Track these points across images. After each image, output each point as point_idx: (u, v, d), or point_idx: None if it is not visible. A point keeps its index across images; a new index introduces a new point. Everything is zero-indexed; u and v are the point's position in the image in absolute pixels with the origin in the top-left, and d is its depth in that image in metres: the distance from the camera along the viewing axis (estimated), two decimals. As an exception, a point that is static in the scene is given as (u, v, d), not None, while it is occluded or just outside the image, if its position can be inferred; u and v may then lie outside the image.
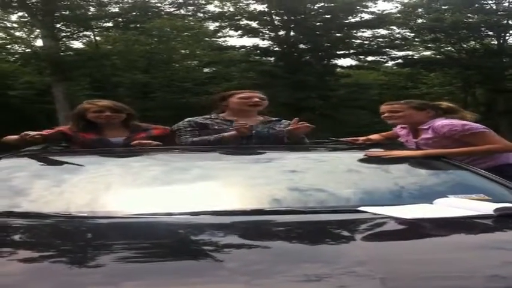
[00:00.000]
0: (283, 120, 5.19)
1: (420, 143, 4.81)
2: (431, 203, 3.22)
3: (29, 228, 2.97)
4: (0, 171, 3.87)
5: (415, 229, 2.86)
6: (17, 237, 2.88)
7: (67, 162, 4.15)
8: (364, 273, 2.09)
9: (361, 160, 4.14)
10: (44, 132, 5.01)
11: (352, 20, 36.49)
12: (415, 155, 4.38)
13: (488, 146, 4.58)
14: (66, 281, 2.06)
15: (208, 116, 5.12)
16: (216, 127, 4.97)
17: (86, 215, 3.07)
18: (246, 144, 4.80)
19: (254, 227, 2.91)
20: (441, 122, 4.72)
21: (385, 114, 4.99)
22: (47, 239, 2.81)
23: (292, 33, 36.43)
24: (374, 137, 5.34)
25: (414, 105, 4.93)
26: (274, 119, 5.22)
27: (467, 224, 2.92)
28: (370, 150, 4.39)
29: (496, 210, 2.96)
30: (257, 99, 5.08)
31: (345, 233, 2.83)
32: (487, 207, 3.02)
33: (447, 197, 3.33)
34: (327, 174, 3.90)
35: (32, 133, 4.74)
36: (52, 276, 2.13)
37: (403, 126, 5.18)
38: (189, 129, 4.98)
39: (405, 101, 5.03)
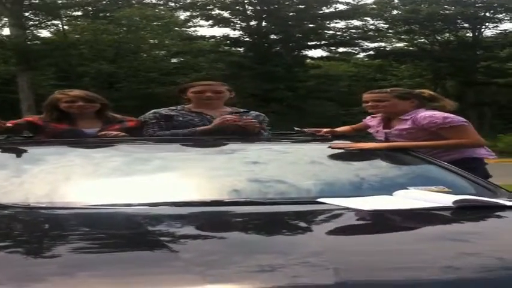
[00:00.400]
0: (251, 112, 5.18)
1: (391, 134, 4.78)
2: (391, 195, 3.24)
3: None
4: None
5: (373, 220, 2.88)
6: None
7: (29, 153, 4.14)
8: (318, 264, 2.09)
9: (323, 152, 4.12)
10: (10, 122, 4.93)
11: (326, 11, 36.59)
12: (380, 147, 4.39)
13: (456, 140, 4.57)
14: (22, 272, 2.05)
15: (174, 108, 5.09)
16: (181, 118, 4.94)
17: (44, 205, 3.06)
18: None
19: (212, 218, 2.95)
20: (423, 114, 4.67)
21: (369, 104, 4.90)
22: (4, 229, 2.79)
23: (264, 24, 36.49)
24: (343, 129, 5.34)
25: (398, 94, 4.87)
26: (242, 110, 5.19)
27: (426, 215, 2.95)
28: (334, 142, 4.39)
29: (455, 202, 2.97)
30: (209, 94, 5.00)
31: (302, 224, 2.84)
32: (447, 199, 3.04)
33: (407, 188, 3.35)
34: (289, 166, 3.90)
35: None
36: (8, 266, 2.11)
37: (373, 116, 5.14)
38: (154, 121, 4.94)
39: (390, 90, 4.98)
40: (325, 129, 5.02)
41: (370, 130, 5.15)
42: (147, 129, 4.90)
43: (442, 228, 2.90)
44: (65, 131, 4.78)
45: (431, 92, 5.11)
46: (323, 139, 4.70)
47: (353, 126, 5.45)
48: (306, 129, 5.01)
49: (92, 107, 4.92)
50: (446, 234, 2.72)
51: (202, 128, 4.78)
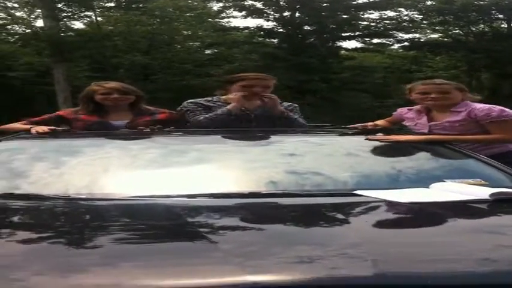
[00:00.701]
0: (284, 103, 5.19)
1: (439, 126, 4.74)
2: (428, 187, 3.25)
3: (28, 210, 3.01)
4: (0, 154, 3.91)
5: (410, 212, 2.91)
6: (16, 218, 2.93)
7: (67, 145, 4.24)
8: (356, 255, 2.10)
9: (360, 144, 4.20)
10: (46, 116, 5.06)
11: (360, 1, 36.37)
12: (416, 140, 4.42)
13: (498, 135, 4.58)
14: (64, 262, 2.09)
15: (210, 99, 5.13)
16: (218, 110, 4.97)
17: (84, 196, 3.12)
18: (246, 127, 4.82)
19: (250, 210, 2.96)
20: (481, 106, 4.66)
21: (433, 95, 4.77)
22: (45, 220, 2.85)
23: (297, 14, 36.33)
24: (380, 122, 5.25)
25: (457, 86, 4.87)
26: None
27: (463, 208, 2.95)
28: (371, 135, 4.42)
29: (491, 195, 2.98)
30: (258, 89, 5.00)
31: (340, 216, 2.85)
32: (483, 192, 3.04)
33: (444, 181, 3.35)
34: (325, 158, 3.94)
35: (40, 130, 4.54)
36: (50, 257, 2.15)
37: (410, 108, 5.08)
38: (200, 109, 4.99)
39: (450, 82, 4.98)
40: (369, 124, 5.01)
41: (407, 123, 5.08)
42: (193, 116, 4.93)
43: (478, 220, 2.91)
44: (94, 123, 4.85)
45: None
46: (361, 132, 4.69)
47: (387, 119, 5.37)
48: (355, 125, 4.98)
49: (127, 99, 4.98)
50: (483, 226, 2.74)
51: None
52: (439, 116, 4.78)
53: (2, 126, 5.03)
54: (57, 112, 5.33)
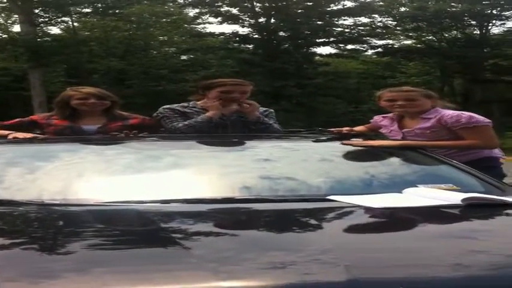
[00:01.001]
0: (259, 108, 5.14)
1: (411, 133, 4.75)
2: (401, 192, 3.26)
3: (1, 215, 2.98)
4: None
5: (383, 218, 2.92)
6: None
7: (40, 150, 4.20)
8: (329, 261, 2.11)
9: (333, 149, 4.21)
10: (18, 120, 5.04)
11: (334, 8, 36.54)
12: (391, 145, 4.42)
13: (472, 141, 4.56)
14: (37, 268, 2.07)
15: (186, 104, 5.08)
16: (195, 115, 4.92)
17: (57, 202, 3.09)
18: (222, 133, 4.81)
19: (223, 215, 2.96)
20: (450, 113, 4.66)
21: (399, 102, 4.79)
22: (18, 226, 2.85)
23: (272, 21, 36.45)
24: (358, 128, 5.27)
25: (425, 93, 4.86)
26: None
27: (435, 213, 2.96)
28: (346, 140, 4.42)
29: (463, 200, 2.99)
30: (236, 95, 4.96)
31: (313, 221, 2.88)
32: (455, 197, 3.06)
33: (416, 186, 3.37)
34: (299, 163, 3.94)
35: (20, 136, 4.49)
36: (23, 263, 2.14)
37: (384, 116, 5.10)
38: (176, 115, 4.93)
39: (419, 89, 5.00)
40: (345, 128, 5.00)
41: (383, 130, 5.10)
42: (170, 122, 4.87)
43: (451, 225, 2.91)
44: (65, 127, 4.81)
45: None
46: (334, 137, 4.66)
47: (366, 126, 5.38)
48: (331, 130, 4.98)
49: (103, 104, 4.94)
50: (455, 231, 2.74)
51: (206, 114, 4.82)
52: (410, 123, 4.79)
53: None
54: (30, 116, 5.28)
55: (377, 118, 5.18)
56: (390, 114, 4.97)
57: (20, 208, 3.01)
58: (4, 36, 34.37)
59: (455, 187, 3.41)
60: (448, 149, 4.59)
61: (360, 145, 4.25)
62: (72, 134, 4.72)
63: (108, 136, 4.54)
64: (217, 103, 4.85)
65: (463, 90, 37.76)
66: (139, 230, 2.66)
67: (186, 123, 4.81)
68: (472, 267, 2.14)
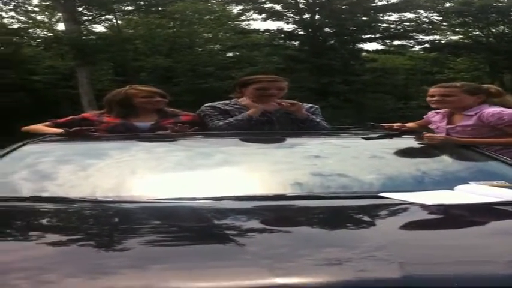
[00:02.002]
0: (305, 104, 5.19)
1: (454, 130, 4.77)
2: (453, 189, 3.23)
3: (55, 212, 3.05)
4: (26, 157, 3.94)
5: (436, 215, 2.89)
6: (44, 221, 2.98)
7: (92, 147, 4.27)
8: (383, 258, 2.11)
9: (384, 146, 4.26)
10: (70, 118, 5.07)
11: (379, 3, 36.40)
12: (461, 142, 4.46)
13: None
14: (94, 264, 2.10)
15: (227, 102, 5.12)
16: (237, 113, 4.96)
17: (111, 199, 3.13)
18: (268, 129, 4.85)
19: (276, 212, 2.98)
20: (490, 110, 4.66)
21: (435, 98, 4.86)
22: (73, 223, 2.88)
23: (317, 17, 36.36)
24: (409, 125, 5.24)
25: (467, 88, 4.84)
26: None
27: (488, 210, 2.94)
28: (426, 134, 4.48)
29: None
30: (274, 91, 5.03)
31: (366, 218, 2.86)
32: (508, 194, 3.04)
33: (468, 183, 3.33)
34: (350, 160, 3.94)
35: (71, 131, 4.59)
36: (80, 259, 2.16)
37: (437, 111, 5.10)
38: (216, 113, 4.98)
39: (460, 84, 4.95)
40: (396, 124, 4.99)
41: (432, 126, 5.11)
42: (211, 121, 4.93)
43: (505, 222, 2.91)
44: (117, 124, 4.86)
45: (499, 88, 5.04)
46: (390, 134, 4.69)
47: (417, 122, 5.39)
48: (383, 125, 4.95)
49: (165, 102, 5.07)
50: (510, 228, 2.74)
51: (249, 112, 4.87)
52: (456, 120, 4.82)
53: (27, 127, 5.02)
54: (82, 114, 5.36)
55: (430, 114, 5.18)
56: (442, 110, 4.98)
57: (74, 205, 3.04)
58: (49, 34, 34.76)
59: (507, 184, 3.37)
60: (491, 146, 4.56)
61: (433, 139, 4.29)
62: (125, 131, 4.77)
63: (160, 133, 4.59)
64: (255, 103, 4.91)
65: (512, 85, 37.35)
66: (194, 227, 2.67)
67: (226, 121, 4.87)
68: None
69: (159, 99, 5.00)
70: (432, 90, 4.92)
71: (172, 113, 5.09)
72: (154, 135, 4.61)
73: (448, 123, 4.85)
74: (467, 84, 5.00)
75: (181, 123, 4.76)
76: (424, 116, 5.31)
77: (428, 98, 4.90)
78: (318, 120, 5.02)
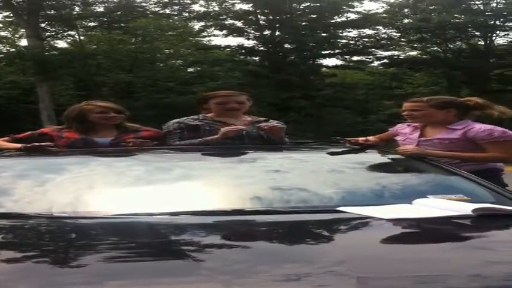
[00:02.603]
0: (271, 120, 5.15)
1: (428, 142, 4.79)
2: (411, 203, 3.22)
3: (11, 228, 2.95)
4: None
5: (394, 229, 2.87)
6: None
7: (50, 163, 4.17)
8: (342, 273, 2.11)
9: (343, 160, 4.23)
10: (29, 133, 4.98)
11: (338, 20, 36.60)
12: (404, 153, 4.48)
13: (496, 154, 4.63)
14: (50, 281, 2.07)
15: (197, 117, 5.07)
16: (207, 128, 4.92)
17: (67, 215, 3.07)
18: (237, 145, 4.77)
19: (234, 227, 2.94)
20: (481, 127, 4.69)
21: (405, 113, 4.95)
22: (29, 239, 2.81)
23: (277, 33, 36.53)
24: (371, 138, 5.30)
25: (434, 103, 4.87)
26: (262, 119, 5.18)
27: (446, 223, 2.93)
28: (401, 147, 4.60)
29: (474, 210, 2.96)
30: (233, 105, 5.03)
31: (324, 233, 2.85)
32: (466, 208, 3.02)
33: (427, 197, 3.33)
34: (309, 174, 3.90)
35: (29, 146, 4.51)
36: (36, 276, 2.13)
37: (409, 124, 5.13)
38: (178, 131, 4.93)
39: (427, 99, 4.97)
40: (361, 138, 5.03)
41: (399, 137, 5.14)
42: (169, 138, 4.90)
43: (463, 236, 2.91)
44: (77, 140, 4.81)
45: (479, 100, 4.98)
46: (353, 149, 4.69)
47: (380, 135, 5.46)
48: (348, 139, 4.98)
49: (121, 117, 5.00)
50: (469, 242, 2.77)
51: (212, 137, 4.77)
52: (431, 132, 4.84)
53: None
54: (41, 129, 5.27)
55: (400, 126, 5.22)
56: (417, 123, 5.02)
57: (30, 221, 2.99)
58: (12, 50, 34.49)
59: (465, 197, 3.38)
60: (453, 159, 4.59)
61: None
62: (85, 146, 4.72)
63: (118, 148, 4.57)
64: (221, 118, 4.92)
65: (470, 100, 37.61)
66: (150, 243, 2.64)
67: (182, 142, 4.84)
68: (492, 278, 2.14)
69: (114, 115, 4.93)
70: (404, 104, 5.00)
71: (132, 128, 5.04)
72: (113, 149, 4.57)
73: (420, 136, 4.87)
74: (435, 98, 5.02)
75: (141, 139, 4.73)
76: (390, 128, 5.37)
77: (403, 112, 4.98)
78: (286, 140, 5.03)
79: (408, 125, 5.12)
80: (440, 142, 4.72)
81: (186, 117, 5.07)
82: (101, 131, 4.93)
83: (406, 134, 5.04)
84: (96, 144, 4.77)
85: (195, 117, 5.07)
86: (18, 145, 4.56)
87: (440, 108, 4.82)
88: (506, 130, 4.65)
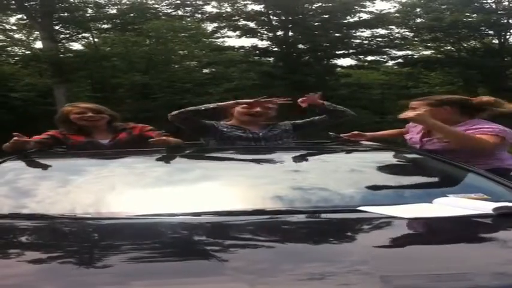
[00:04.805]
0: (280, 123, 5.29)
1: (429, 142, 4.85)
2: (431, 203, 3.22)
3: (35, 229, 2.98)
4: (6, 174, 3.88)
5: (415, 228, 2.89)
6: (23, 238, 2.91)
7: (71, 164, 4.24)
8: (366, 271, 2.12)
9: (363, 160, 4.27)
10: (35, 137, 4.98)
11: (351, 20, 36.51)
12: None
13: (480, 137, 4.61)
14: (74, 281, 2.08)
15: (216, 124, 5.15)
16: (233, 134, 5.05)
17: (90, 216, 3.09)
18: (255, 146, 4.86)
19: (257, 227, 2.93)
20: (482, 126, 4.72)
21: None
22: (53, 240, 2.83)
23: (290, 34, 36.42)
24: (381, 133, 5.51)
25: (429, 102, 4.91)
26: (270, 123, 5.27)
27: (467, 222, 2.93)
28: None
29: (495, 209, 2.97)
30: (258, 109, 5.12)
31: (347, 232, 2.86)
32: (486, 206, 3.03)
33: (446, 196, 3.32)
34: (329, 174, 3.91)
35: (21, 139, 4.62)
36: (60, 276, 2.15)
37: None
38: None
39: (425, 98, 5.05)
40: (354, 133, 5.23)
41: (407, 135, 5.22)
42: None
43: (484, 235, 2.90)
44: (85, 142, 4.88)
45: (484, 98, 4.99)
46: (357, 146, 4.83)
47: (391, 131, 5.65)
48: (341, 135, 5.13)
49: (101, 118, 5.05)
50: (490, 241, 2.76)
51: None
52: (433, 132, 4.86)
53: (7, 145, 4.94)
54: (48, 132, 5.21)
55: (411, 124, 5.25)
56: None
57: (54, 222, 3.02)
58: (27, 52, 34.59)
59: (485, 196, 3.37)
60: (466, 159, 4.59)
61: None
62: (92, 148, 4.78)
63: (138, 149, 4.59)
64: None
65: (488, 99, 37.35)
66: (173, 243, 2.65)
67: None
68: (511, 276, 2.15)
69: (91, 115, 4.99)
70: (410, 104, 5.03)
71: (121, 126, 5.14)
72: (133, 150, 4.59)
73: (423, 135, 4.93)
74: (431, 97, 5.09)
75: (137, 136, 4.89)
76: (406, 125, 5.39)
77: None
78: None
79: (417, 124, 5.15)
80: (439, 141, 4.77)
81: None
82: (96, 133, 5.02)
83: (413, 133, 5.11)
84: (102, 146, 4.86)
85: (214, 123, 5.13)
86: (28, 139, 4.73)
87: (435, 106, 4.84)
88: (506, 129, 4.69)
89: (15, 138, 4.58)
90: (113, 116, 5.18)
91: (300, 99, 5.38)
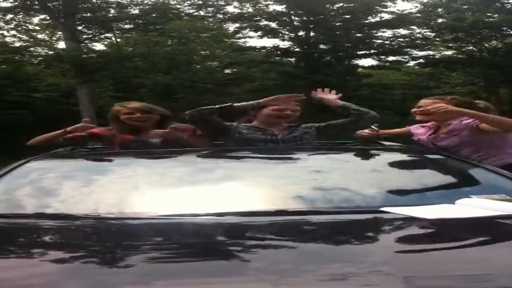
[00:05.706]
0: (302, 124, 5.31)
1: (438, 138, 4.93)
2: (454, 204, 3.22)
3: (59, 229, 3.01)
4: (30, 174, 3.92)
5: (438, 229, 2.88)
6: (47, 238, 2.94)
7: (95, 164, 4.30)
8: (388, 272, 2.13)
9: (385, 160, 4.25)
10: (73, 136, 5.10)
11: (372, 20, 36.43)
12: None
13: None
14: (97, 281, 2.11)
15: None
16: (245, 131, 5.07)
17: (114, 216, 3.11)
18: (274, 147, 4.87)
19: (279, 228, 2.93)
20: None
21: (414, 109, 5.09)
22: (77, 240, 2.85)
23: (312, 34, 36.38)
24: (393, 131, 5.63)
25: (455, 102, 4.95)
26: (292, 124, 5.29)
27: (490, 223, 2.93)
28: None
29: None
30: (289, 112, 5.13)
31: (369, 233, 2.86)
32: (509, 207, 3.04)
33: (469, 197, 3.31)
34: (350, 174, 3.92)
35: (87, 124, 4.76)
36: (83, 276, 2.16)
37: (423, 125, 5.25)
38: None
39: (428, 97, 5.17)
40: (365, 131, 5.38)
41: (414, 137, 5.31)
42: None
43: (507, 236, 2.87)
44: (132, 141, 4.93)
45: (481, 104, 5.13)
46: (378, 147, 4.86)
47: (398, 130, 5.74)
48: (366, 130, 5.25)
49: (150, 118, 5.07)
50: None
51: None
52: (441, 129, 4.99)
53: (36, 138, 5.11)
54: (92, 130, 5.29)
55: (414, 126, 5.40)
56: (429, 124, 5.17)
57: (78, 222, 3.03)
58: (50, 52, 34.68)
59: (508, 197, 3.34)
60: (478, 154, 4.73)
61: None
62: (140, 147, 4.80)
63: (165, 150, 4.64)
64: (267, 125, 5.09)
65: (509, 99, 37.25)
66: (197, 243, 2.65)
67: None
68: None
69: (140, 116, 5.02)
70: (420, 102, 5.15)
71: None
72: (158, 151, 4.64)
73: (430, 134, 5.03)
74: (439, 97, 5.20)
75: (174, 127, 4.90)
76: (408, 126, 5.54)
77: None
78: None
79: (422, 126, 5.27)
80: (446, 136, 4.88)
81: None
82: (147, 132, 5.03)
83: (418, 135, 5.21)
84: (152, 145, 4.87)
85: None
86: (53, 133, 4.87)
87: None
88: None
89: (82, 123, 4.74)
90: (164, 116, 5.21)
91: (312, 92, 5.45)
